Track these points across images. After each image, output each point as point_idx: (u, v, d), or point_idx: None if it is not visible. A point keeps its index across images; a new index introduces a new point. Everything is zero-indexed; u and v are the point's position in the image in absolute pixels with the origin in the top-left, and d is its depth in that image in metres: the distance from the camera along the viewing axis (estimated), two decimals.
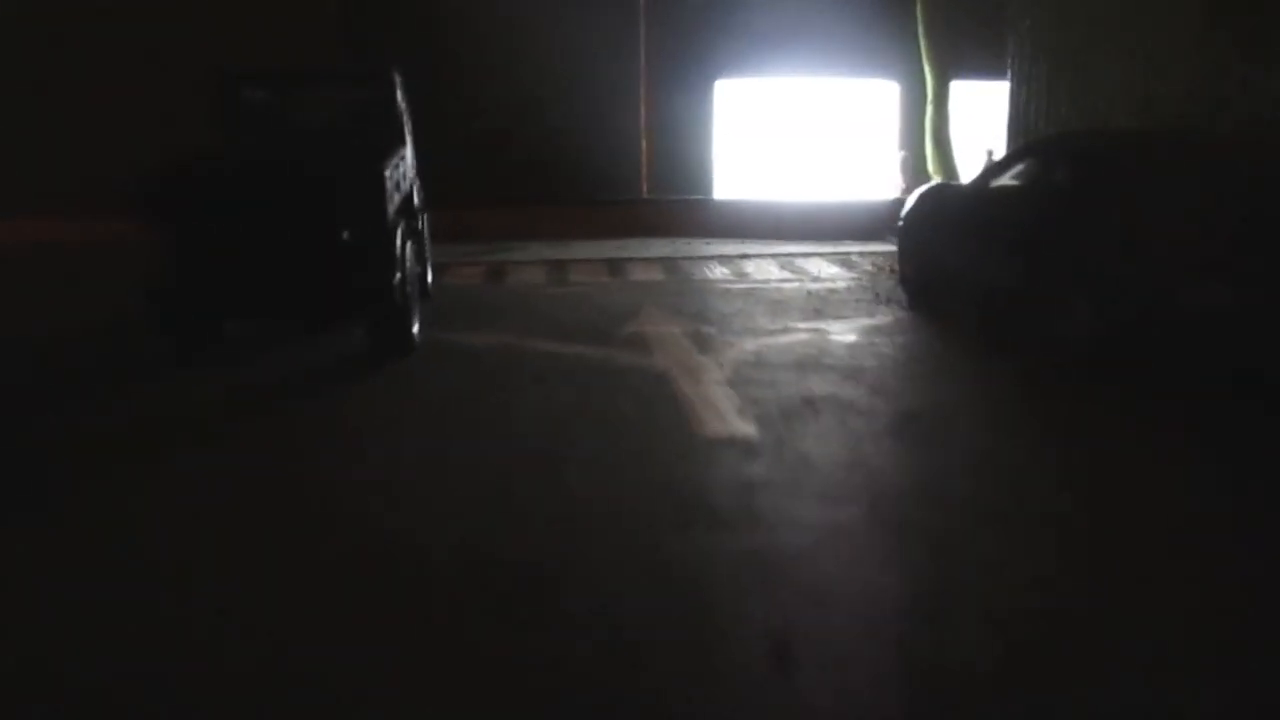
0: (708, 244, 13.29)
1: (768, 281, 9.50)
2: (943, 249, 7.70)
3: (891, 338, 7.02)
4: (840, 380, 5.82)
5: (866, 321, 7.58)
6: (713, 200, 17.76)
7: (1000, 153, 19.50)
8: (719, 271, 10.21)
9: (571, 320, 7.63)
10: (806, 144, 20.47)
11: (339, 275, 5.79)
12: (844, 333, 7.20)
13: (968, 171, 19.29)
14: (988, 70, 19.80)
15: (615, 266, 10.53)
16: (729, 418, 5.09)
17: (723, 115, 19.90)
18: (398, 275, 6.02)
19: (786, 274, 10.00)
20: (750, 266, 10.52)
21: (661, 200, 16.84)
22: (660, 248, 12.49)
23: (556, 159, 17.83)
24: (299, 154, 6.55)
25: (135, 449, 4.79)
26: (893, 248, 12.69)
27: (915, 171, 19.37)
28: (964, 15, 18.58)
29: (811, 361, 6.31)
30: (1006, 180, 7.23)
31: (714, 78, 19.62)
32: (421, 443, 4.76)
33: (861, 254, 11.61)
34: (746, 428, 4.92)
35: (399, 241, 6.16)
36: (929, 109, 19.10)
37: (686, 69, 19.21)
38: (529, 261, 10.98)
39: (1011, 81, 11.20)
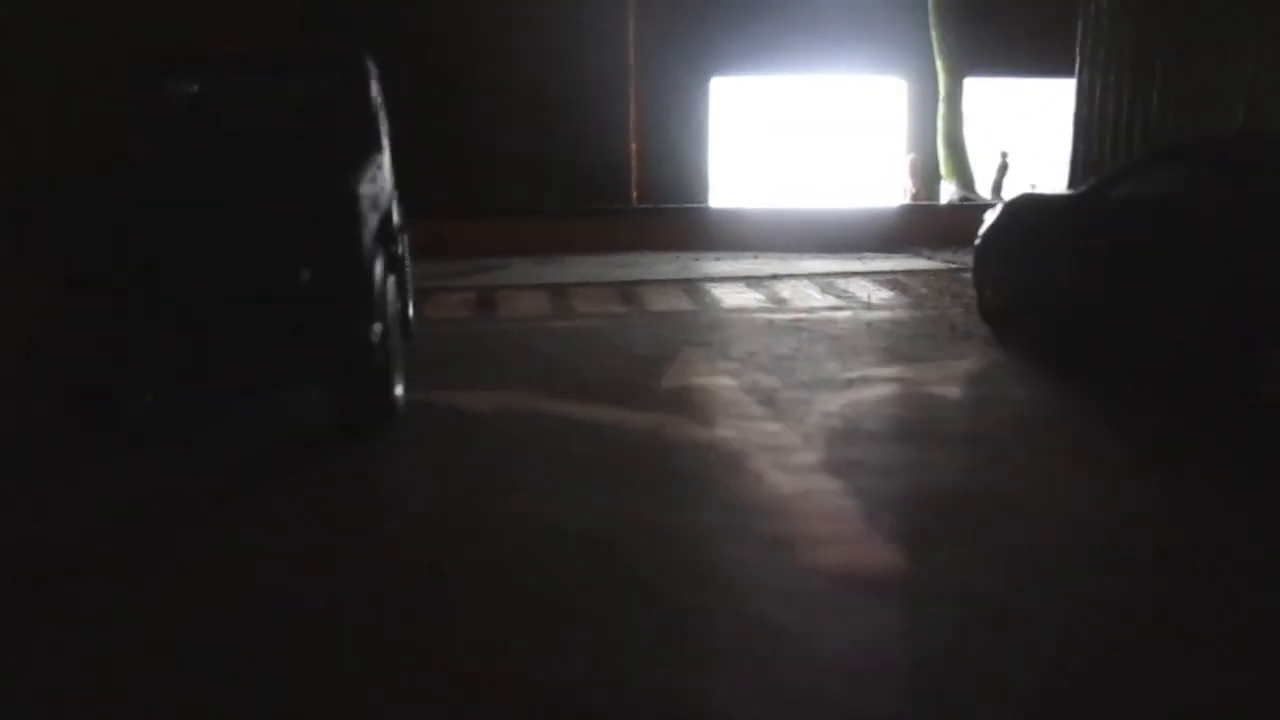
0: (718, 259, 11.79)
1: (813, 310, 7.98)
2: (1047, 276, 6.22)
3: (1006, 391, 5.53)
4: (980, 462, 4.30)
5: (959, 366, 6.08)
6: (712, 209, 16.25)
7: (1016, 155, 18.45)
8: (750, 297, 8.67)
9: (593, 369, 6.05)
10: (809, 146, 19.09)
11: (295, 329, 4.20)
12: (939, 383, 5.69)
13: (982, 175, 18.08)
14: (1005, 67, 18.58)
15: (626, 292, 8.96)
16: (869, 546, 3.53)
17: (719, 116, 18.50)
18: (377, 325, 4.44)
19: (831, 299, 8.49)
20: (785, 290, 8.99)
21: (657, 209, 15.32)
22: (667, 265, 10.97)
23: (538, 163, 16.25)
24: (240, 165, 4.95)
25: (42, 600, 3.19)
26: (928, 263, 11.45)
27: (926, 175, 18.07)
28: (980, 7, 17.27)
29: (922, 430, 4.80)
30: (1132, 189, 5.78)
31: (709, 75, 18.15)
32: (391, 633, 2.88)
33: (907, 273, 10.11)
34: (898, 560, 3.39)
35: (378, 277, 4.57)
36: (941, 108, 17.78)
37: (679, 65, 17.72)
38: (522, 285, 9.39)
39: (1081, 74, 9.78)
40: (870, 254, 12.46)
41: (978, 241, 7.24)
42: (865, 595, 3.11)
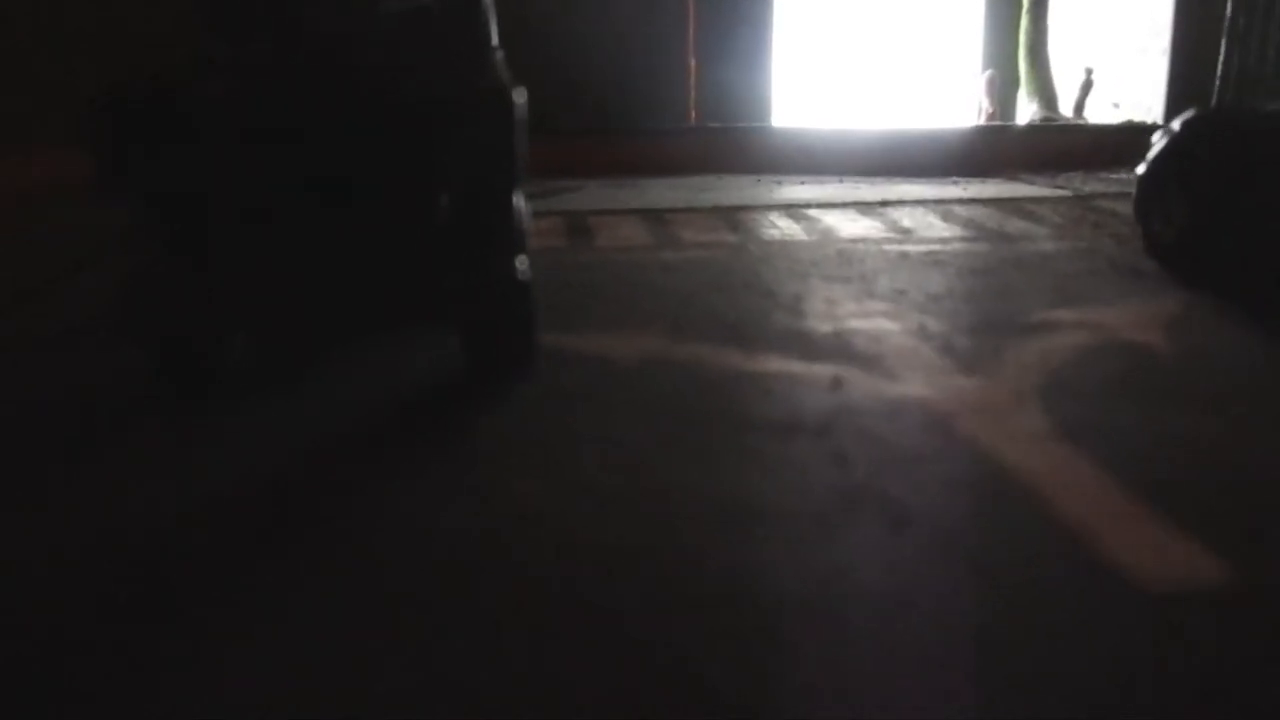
0: (802, 183, 10.96)
1: (945, 241, 7.21)
2: (1263, 205, 5.41)
3: (1216, 339, 4.80)
4: (1238, 428, 3.61)
5: (1146, 309, 5.32)
6: (780, 129, 15.31)
7: (1106, 71, 17.26)
8: (867, 225, 7.88)
9: (732, 308, 5.34)
10: (877, 62, 17.99)
11: (436, 260, 3.50)
12: (1133, 329, 4.95)
13: (1067, 95, 16.98)
14: None
15: (730, 219, 8.18)
16: (1186, 551, 2.86)
17: (782, 28, 17.38)
18: (523, 257, 3.74)
19: (958, 229, 7.70)
20: (903, 218, 8.18)
21: (724, 128, 14.40)
22: (754, 189, 10.17)
23: (590, 80, 15.30)
24: (349, 70, 4.17)
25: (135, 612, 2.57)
26: (1039, 190, 10.55)
27: (1004, 93, 16.99)
28: None
29: (1144, 387, 4.09)
30: None
31: None
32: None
33: (1027, 200, 9.27)
34: (1223, 571, 2.71)
35: (521, 204, 3.85)
36: (1024, 20, 16.61)
37: None
38: (610, 210, 8.63)
39: None
40: (963, 179, 11.58)
41: (1143, 167, 6.42)
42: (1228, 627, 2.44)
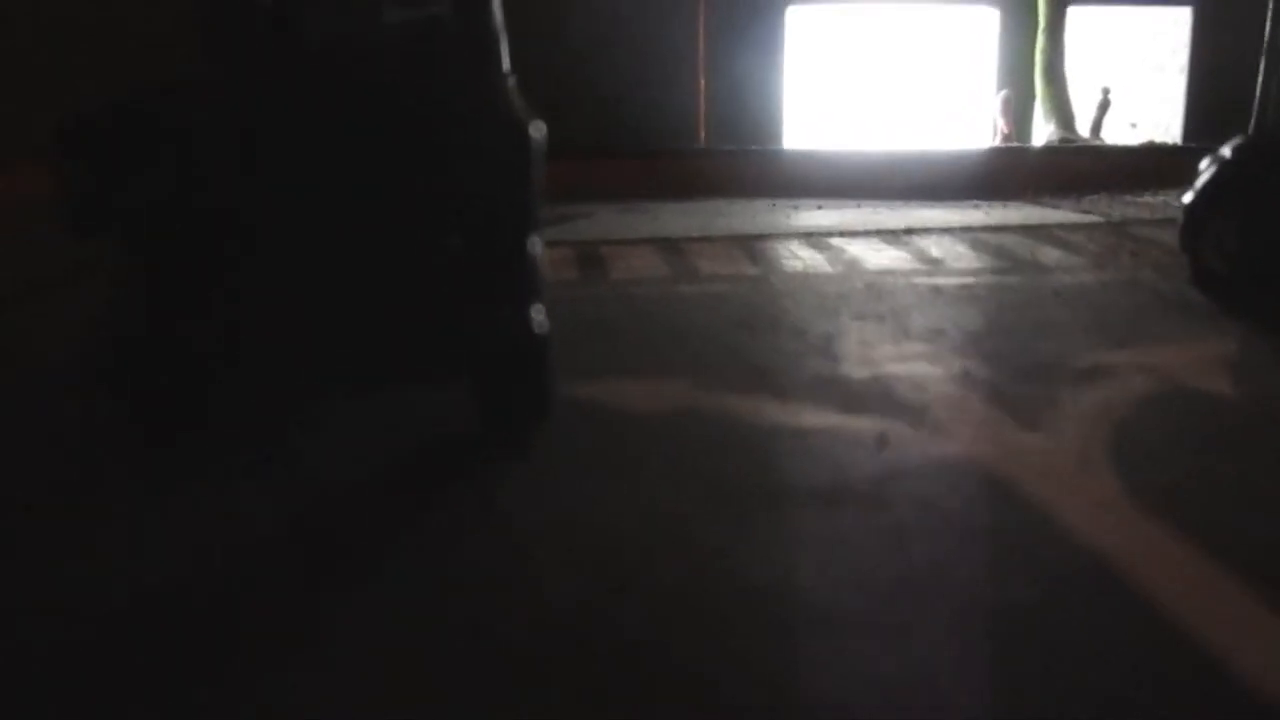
0: (820, 207, 10.63)
1: (978, 273, 6.84)
2: None
3: None
4: None
5: (1205, 349, 4.95)
6: (794, 151, 14.99)
7: (1123, 91, 16.91)
8: (894, 255, 7.52)
9: (761, 350, 4.97)
10: (890, 83, 17.66)
11: (448, 310, 3.13)
12: (1195, 373, 4.57)
13: (1085, 114, 16.64)
14: None
15: (749, 249, 7.82)
16: None
17: (794, 49, 17.08)
18: (540, 305, 3.37)
19: (989, 259, 7.34)
20: (930, 247, 7.83)
21: (737, 151, 14.08)
22: (771, 215, 9.83)
23: (600, 101, 15.01)
24: (359, 93, 3.81)
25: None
26: (1065, 215, 10.14)
27: (1020, 113, 16.66)
28: None
29: (1226, 444, 3.71)
30: None
31: (785, 4, 16.74)
32: None
33: (1056, 227, 8.91)
34: None
35: (539, 244, 3.49)
36: (1040, 39, 16.28)
37: None
38: (623, 240, 8.28)
39: None
40: (984, 202, 11.24)
41: (1190, 195, 6.07)
42: None
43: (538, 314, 3.35)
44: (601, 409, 4.13)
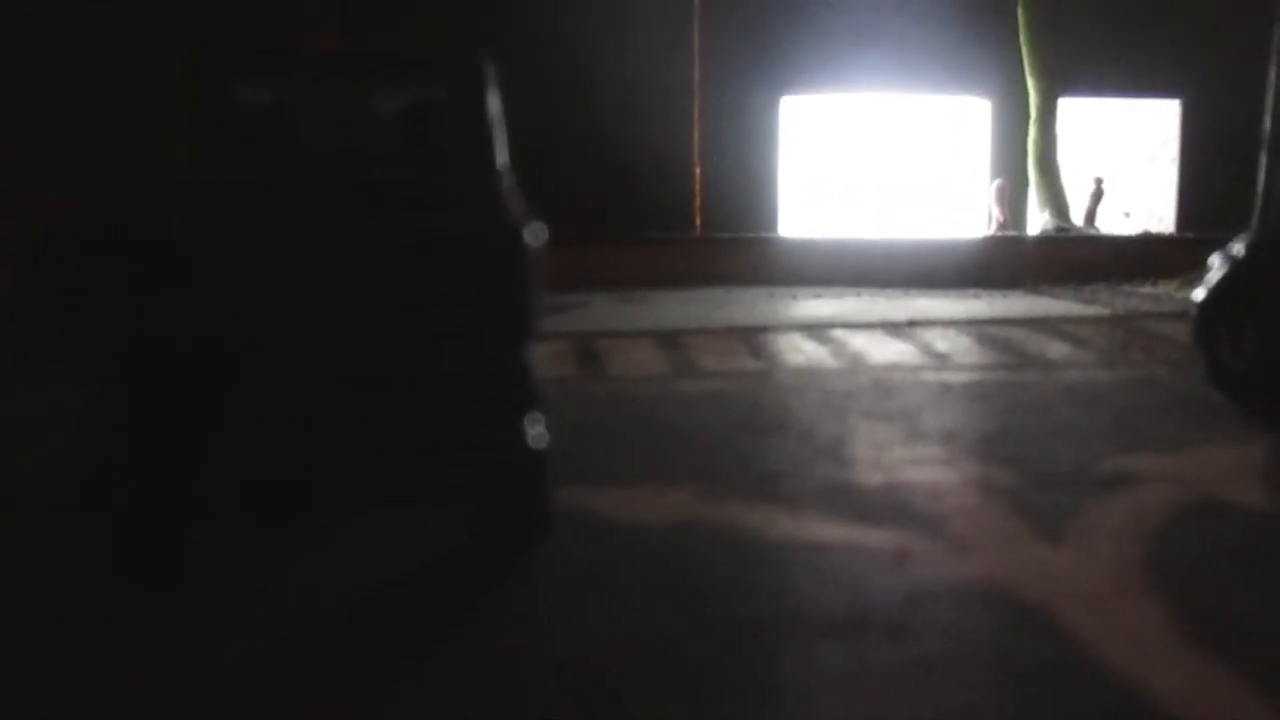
0: (818, 296, 10.54)
1: (986, 369, 6.67)
2: None
3: None
4: None
5: (1234, 454, 4.74)
6: (790, 240, 15.01)
7: (1115, 180, 17.03)
8: (899, 350, 7.36)
9: (767, 456, 4.75)
10: (885, 172, 17.79)
11: (445, 428, 2.92)
12: (1225, 482, 4.35)
13: (1077, 203, 16.72)
14: (1101, 86, 17.27)
15: (750, 343, 7.66)
16: None
17: (789, 137, 17.24)
18: (540, 419, 3.16)
19: (996, 354, 7.18)
20: (936, 341, 7.68)
21: (734, 239, 14.06)
22: (770, 305, 9.71)
23: (596, 188, 15.06)
24: (357, 200, 3.65)
25: None
26: (1066, 306, 10.01)
27: (1014, 202, 16.73)
28: (1077, 20, 15.98)
29: (1272, 561, 3.50)
30: None
31: (779, 93, 16.93)
32: None
33: (1060, 320, 8.78)
34: None
35: (533, 359, 3.29)
36: (1032, 129, 16.44)
37: (747, 82, 16.50)
38: (620, 332, 8.12)
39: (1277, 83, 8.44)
40: (983, 291, 11.18)
41: (1202, 292, 5.93)
42: None
43: (535, 427, 3.14)
44: (601, 522, 3.89)
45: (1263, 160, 8.37)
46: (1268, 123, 8.33)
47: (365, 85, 4.69)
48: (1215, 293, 5.80)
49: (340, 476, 2.94)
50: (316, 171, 4.24)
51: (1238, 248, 5.82)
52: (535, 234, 3.00)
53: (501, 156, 4.73)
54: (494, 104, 4.73)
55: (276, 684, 2.76)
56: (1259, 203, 8.75)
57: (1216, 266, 5.87)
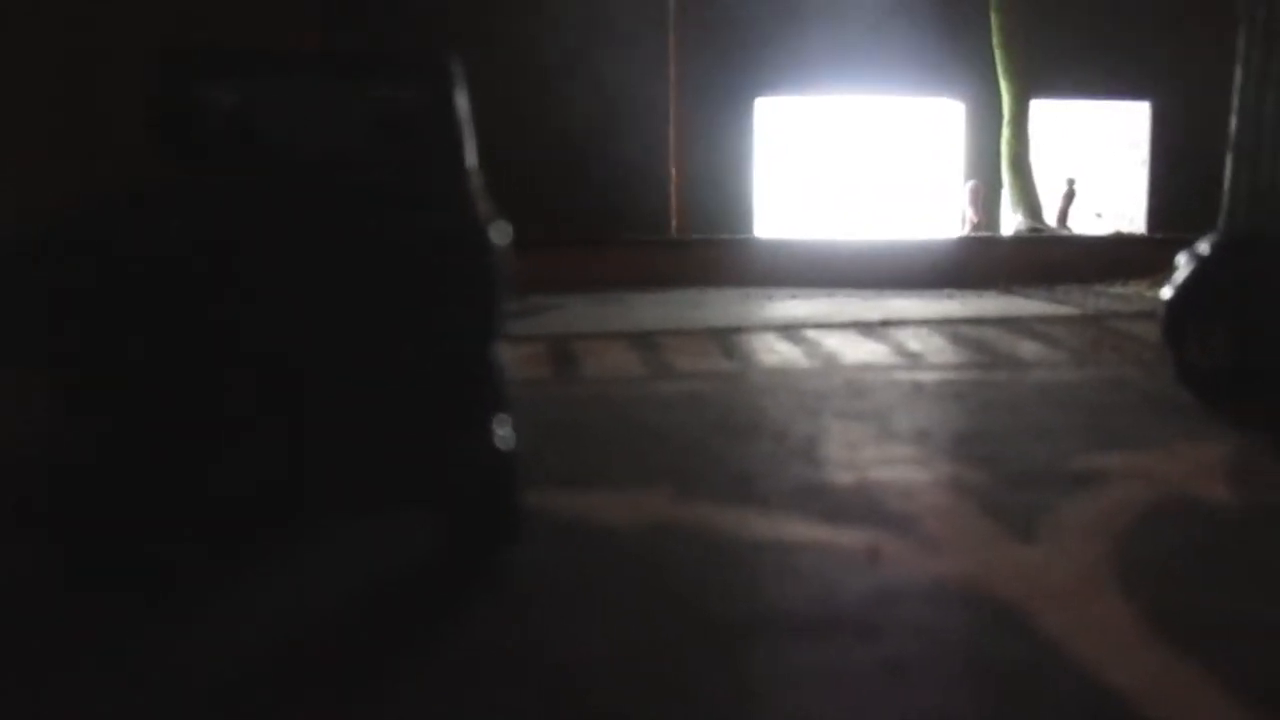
0: (794, 297, 10.55)
1: (959, 368, 6.70)
2: None
3: None
4: None
5: (1202, 452, 4.77)
6: (766, 241, 15.06)
7: (1087, 182, 17.21)
8: (872, 349, 7.39)
9: (740, 456, 4.75)
10: (859, 173, 17.87)
11: (415, 430, 2.89)
12: (1195, 479, 4.38)
13: (1050, 204, 16.86)
14: (1073, 89, 17.44)
15: (724, 343, 7.66)
16: None
17: (764, 139, 17.29)
18: (507, 420, 3.14)
19: (969, 353, 7.22)
20: (909, 340, 7.71)
21: (708, 240, 14.06)
22: (744, 306, 9.73)
23: (570, 190, 15.05)
24: (323, 200, 3.61)
25: None
26: (1038, 306, 10.07)
27: (988, 203, 16.85)
28: (1049, 23, 16.11)
29: (1241, 560, 3.52)
30: None
31: (754, 95, 16.97)
32: None
33: (1031, 319, 8.83)
34: None
35: (500, 359, 3.26)
36: (1005, 131, 16.55)
37: (723, 84, 16.52)
38: (596, 334, 8.09)
39: (1245, 93, 8.53)
40: (956, 292, 11.24)
41: (1172, 288, 5.98)
42: None
43: (501, 428, 3.11)
44: (576, 524, 3.87)
45: (1229, 162, 8.48)
46: (1233, 124, 8.42)
47: (333, 86, 4.65)
48: (1182, 292, 5.84)
49: (305, 481, 2.90)
50: (282, 172, 4.20)
51: (1204, 247, 5.88)
52: (502, 233, 2.98)
53: (470, 157, 4.70)
54: (462, 104, 4.70)
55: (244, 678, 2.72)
56: (1225, 203, 8.87)
57: (1183, 266, 5.92)
